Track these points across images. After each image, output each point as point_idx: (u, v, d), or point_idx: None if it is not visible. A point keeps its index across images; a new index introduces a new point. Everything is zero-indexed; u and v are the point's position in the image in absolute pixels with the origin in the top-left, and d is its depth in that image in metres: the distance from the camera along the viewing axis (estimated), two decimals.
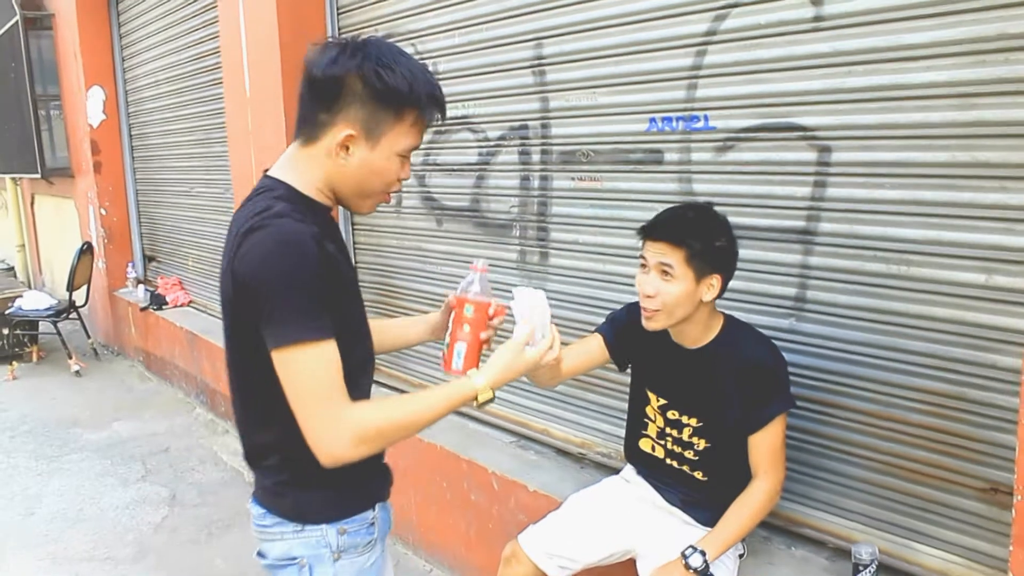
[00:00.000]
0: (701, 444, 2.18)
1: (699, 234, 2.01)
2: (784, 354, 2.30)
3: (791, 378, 2.30)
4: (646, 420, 2.31)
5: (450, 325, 1.67)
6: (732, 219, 2.38)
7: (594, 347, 2.30)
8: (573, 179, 3.00)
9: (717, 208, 2.12)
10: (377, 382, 4.11)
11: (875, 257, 2.14)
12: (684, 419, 2.20)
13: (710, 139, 2.49)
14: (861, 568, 2.09)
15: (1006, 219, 1.90)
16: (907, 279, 2.09)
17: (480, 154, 3.37)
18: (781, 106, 2.29)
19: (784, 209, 2.33)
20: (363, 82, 1.42)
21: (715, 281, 2.04)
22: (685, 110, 2.54)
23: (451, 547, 3.38)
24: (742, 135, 2.40)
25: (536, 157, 3.13)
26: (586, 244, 2.99)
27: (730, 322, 2.17)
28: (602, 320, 2.57)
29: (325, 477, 1.48)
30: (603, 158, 2.86)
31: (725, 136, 2.45)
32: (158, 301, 6.28)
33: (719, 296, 2.07)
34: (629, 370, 2.37)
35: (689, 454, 2.22)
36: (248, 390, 1.53)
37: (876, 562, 2.09)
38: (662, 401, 2.24)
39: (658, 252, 2.01)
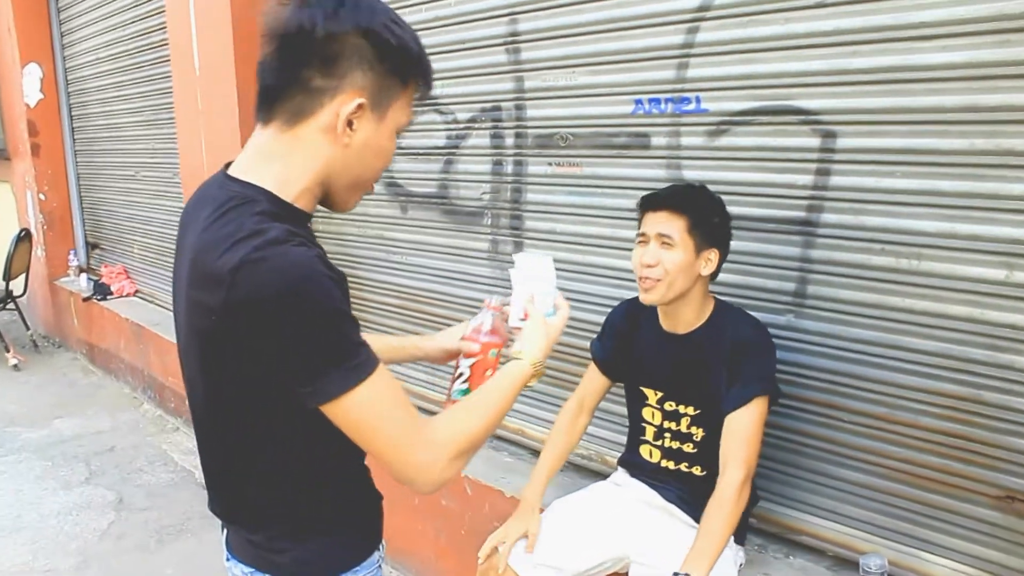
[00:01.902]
0: (699, 434, 2.09)
1: (699, 205, 2.01)
2: (781, 352, 2.18)
3: (787, 375, 2.19)
4: (643, 424, 2.20)
5: (467, 371, 1.55)
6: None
7: (597, 373, 2.33)
8: (550, 164, 2.82)
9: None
10: None
11: (883, 250, 2.01)
12: (681, 408, 2.12)
13: (702, 122, 2.33)
14: None
15: None
16: (918, 274, 1.96)
17: (448, 137, 3.17)
18: (781, 88, 2.13)
19: (783, 198, 2.18)
20: (370, 40, 1.15)
21: (713, 256, 2.02)
22: (675, 91, 2.38)
23: (419, 554, 3.20)
24: (737, 118, 2.24)
25: (510, 141, 2.95)
26: (564, 233, 2.82)
27: (720, 305, 2.12)
28: (581, 313, 2.54)
29: (328, 525, 1.31)
30: (583, 142, 2.69)
31: (719, 120, 2.29)
32: (102, 291, 5.97)
33: (715, 275, 2.04)
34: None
35: (688, 447, 2.12)
36: (239, 440, 1.27)
37: (886, 574, 1.97)
38: (659, 394, 2.15)
39: (659, 222, 1.99)
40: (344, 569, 1.34)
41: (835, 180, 2.07)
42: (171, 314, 4.39)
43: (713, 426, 2.05)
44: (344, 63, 1.15)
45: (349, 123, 1.18)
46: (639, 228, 2.04)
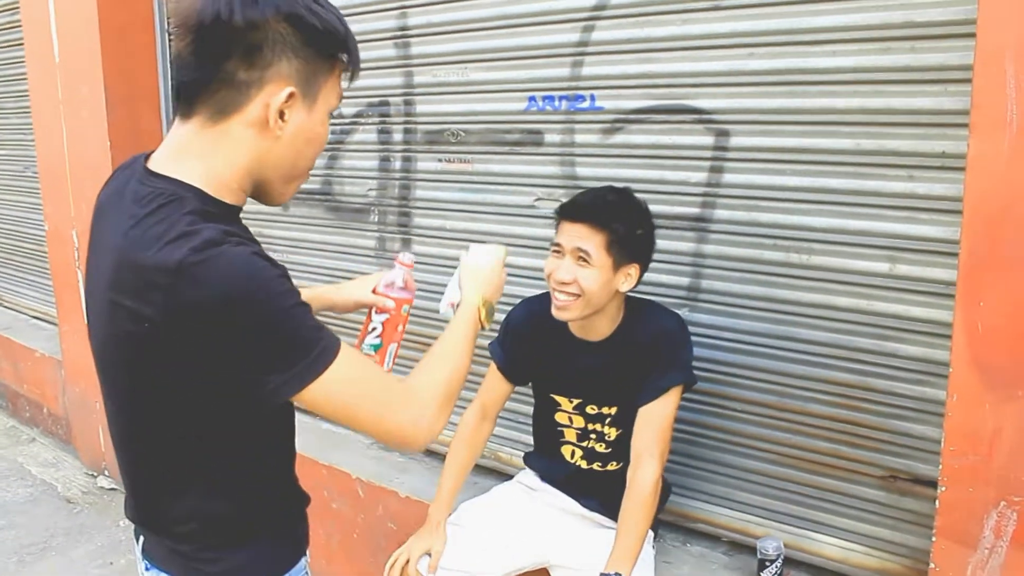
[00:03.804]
0: (613, 433, 2.08)
1: (622, 219, 1.91)
2: None
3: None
4: (561, 428, 2.16)
5: (380, 326, 1.56)
6: None
7: (500, 379, 2.22)
8: (440, 160, 2.80)
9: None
10: None
11: (775, 246, 2.09)
12: (604, 410, 2.08)
13: (596, 120, 2.36)
14: (768, 563, 2.05)
15: (912, 208, 1.88)
16: (808, 268, 2.05)
17: (333, 132, 3.09)
18: (676, 87, 2.19)
19: (677, 195, 2.23)
20: (292, 24, 1.10)
21: (633, 271, 1.95)
22: (569, 89, 2.40)
23: (311, 560, 3.11)
24: (632, 117, 2.29)
25: (398, 136, 2.91)
26: (454, 231, 2.80)
27: (632, 303, 2.07)
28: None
29: (259, 533, 1.27)
30: (475, 138, 2.68)
31: (613, 117, 2.32)
32: None
33: (634, 288, 1.98)
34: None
35: (601, 447, 2.10)
36: (164, 451, 1.21)
37: (782, 556, 2.06)
38: (576, 401, 2.10)
39: (576, 236, 1.89)
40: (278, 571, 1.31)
41: (728, 178, 2.14)
42: (24, 317, 4.12)
43: (629, 422, 2.01)
44: (268, 52, 1.10)
45: (280, 114, 1.12)
46: (555, 235, 1.96)
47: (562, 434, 2.16)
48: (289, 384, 1.10)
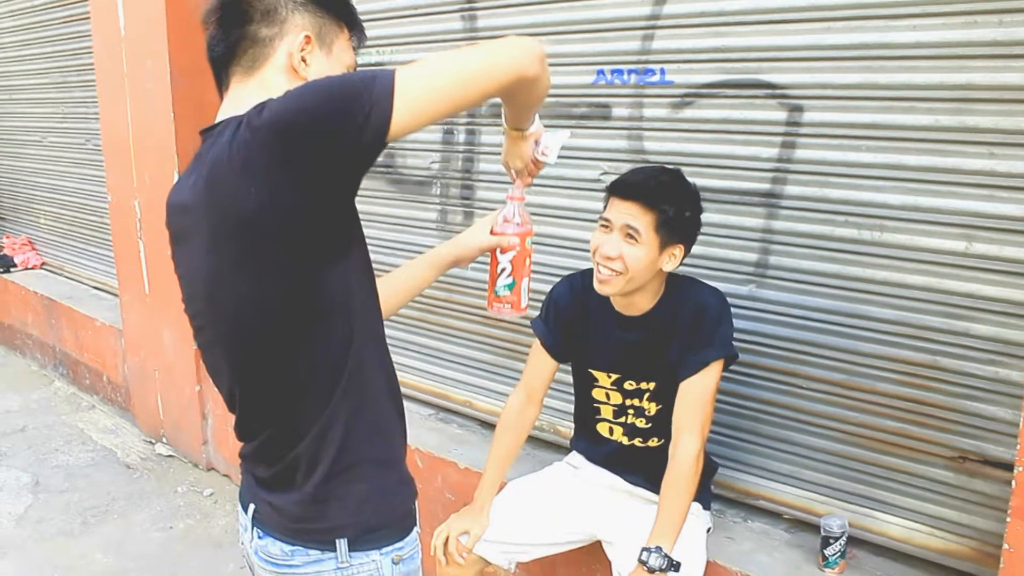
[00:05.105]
0: (653, 408, 2.08)
1: (673, 200, 1.90)
2: (743, 321, 2.24)
3: (748, 344, 2.25)
4: (597, 404, 2.16)
5: (509, 264, 1.53)
6: None
7: (545, 357, 2.21)
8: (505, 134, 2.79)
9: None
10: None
11: (846, 222, 2.07)
12: (643, 385, 2.08)
13: (666, 94, 2.35)
14: (832, 540, 2.05)
15: (991, 186, 1.85)
16: (880, 245, 2.03)
17: None
18: (749, 61, 2.16)
19: (747, 171, 2.22)
20: None
21: (678, 251, 1.95)
22: (639, 63, 2.39)
23: None
24: (703, 91, 2.27)
25: None
26: None
27: (673, 278, 2.05)
28: (538, 284, 2.35)
29: (379, 487, 1.30)
30: (541, 112, 2.65)
31: (684, 92, 2.31)
32: (5, 263, 5.66)
33: (677, 267, 1.98)
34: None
35: (641, 423, 2.11)
36: (286, 372, 1.22)
37: (846, 534, 2.05)
38: (614, 376, 2.11)
39: (626, 213, 1.89)
40: (391, 540, 1.31)
41: (800, 153, 2.12)
42: (85, 287, 4.25)
43: (669, 397, 2.02)
44: (282, 10, 1.27)
45: (303, 59, 1.27)
46: (604, 210, 1.96)
47: (598, 411, 2.17)
48: (381, 100, 1.09)
